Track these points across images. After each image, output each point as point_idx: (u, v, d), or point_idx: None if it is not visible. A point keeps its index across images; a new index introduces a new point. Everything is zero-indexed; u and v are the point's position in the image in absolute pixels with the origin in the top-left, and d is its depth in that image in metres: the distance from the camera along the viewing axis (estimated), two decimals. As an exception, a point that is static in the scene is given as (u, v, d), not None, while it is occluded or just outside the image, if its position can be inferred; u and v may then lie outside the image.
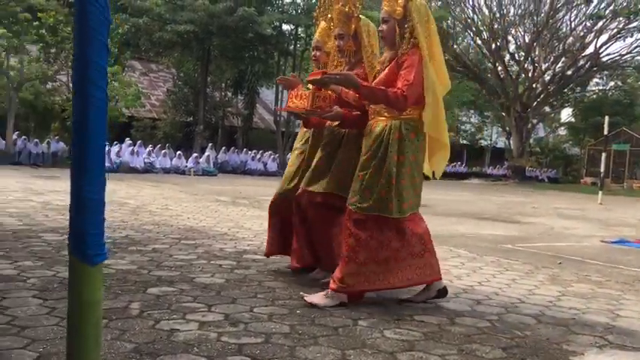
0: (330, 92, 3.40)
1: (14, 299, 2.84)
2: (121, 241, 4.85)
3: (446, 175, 31.28)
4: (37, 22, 20.08)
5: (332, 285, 3.10)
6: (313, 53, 4.00)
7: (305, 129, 4.02)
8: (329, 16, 3.80)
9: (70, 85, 13.84)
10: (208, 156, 21.76)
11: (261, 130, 32.85)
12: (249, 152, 25.79)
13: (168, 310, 2.84)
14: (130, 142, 21.31)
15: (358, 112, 3.47)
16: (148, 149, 20.83)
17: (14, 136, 19.90)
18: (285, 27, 28.95)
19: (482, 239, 6.63)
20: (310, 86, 3.41)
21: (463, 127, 42.82)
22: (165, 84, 31.43)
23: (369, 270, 3.09)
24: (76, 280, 1.68)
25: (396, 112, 3.14)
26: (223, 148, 25.43)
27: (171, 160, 21.45)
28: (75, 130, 1.71)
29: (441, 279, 3.34)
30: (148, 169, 19.90)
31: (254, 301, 3.11)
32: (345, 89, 3.37)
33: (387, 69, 3.23)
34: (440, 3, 31.78)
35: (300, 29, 28.92)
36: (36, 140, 20.17)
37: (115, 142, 20.50)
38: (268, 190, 14.59)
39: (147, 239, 5.05)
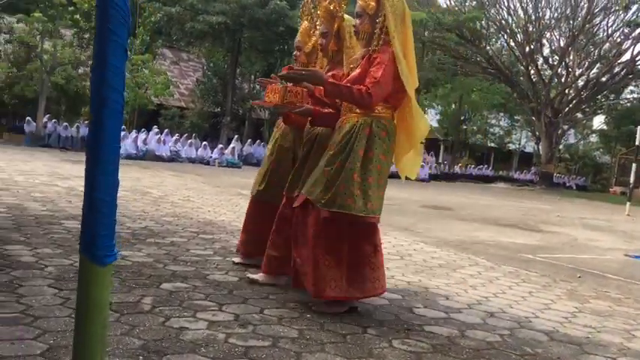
0: (301, 88, 3.37)
1: (30, 287, 2.90)
2: (140, 232, 4.91)
3: (471, 178, 31.23)
4: (72, 8, 20.42)
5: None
6: (294, 53, 4.02)
7: (280, 126, 4.02)
8: (312, 16, 3.82)
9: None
10: (233, 148, 21.85)
11: (287, 124, 32.84)
12: (274, 145, 25.81)
13: (180, 307, 2.87)
14: (157, 130, 21.53)
15: (331, 110, 3.38)
16: (174, 138, 21.01)
17: (45, 119, 20.25)
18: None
19: (503, 247, 6.55)
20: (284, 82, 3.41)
21: (492, 129, 42.38)
22: (195, 73, 31.67)
23: (331, 274, 2.98)
24: (84, 279, 1.70)
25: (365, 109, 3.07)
26: (249, 140, 25.53)
27: (196, 150, 21.61)
28: (90, 131, 1.73)
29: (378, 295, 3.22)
30: (174, 158, 20.08)
31: (265, 302, 3.12)
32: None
33: (358, 66, 3.18)
34: (475, 3, 31.43)
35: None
36: (65, 124, 20.50)
37: (143, 130, 20.73)
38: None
39: (165, 231, 5.10)
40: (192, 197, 8.49)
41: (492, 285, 4.32)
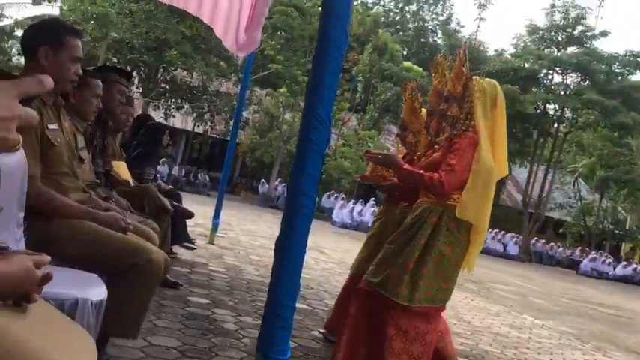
0: None
1: (224, 358, 3.07)
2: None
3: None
4: (312, 85, 22.48)
5: None
6: (398, 133, 3.89)
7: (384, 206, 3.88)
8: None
9: (333, 142, 15.22)
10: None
11: (507, 209, 31.57)
12: (490, 230, 24.87)
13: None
14: (374, 202, 22.22)
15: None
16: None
17: (276, 182, 22.28)
18: (549, 106, 27.75)
19: None
20: None
21: None
22: (418, 151, 32.22)
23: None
24: (256, 377, 1.73)
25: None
26: (464, 221, 24.94)
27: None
28: (281, 231, 1.79)
29: None
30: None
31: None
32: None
33: (440, 150, 2.99)
34: None
35: (566, 110, 27.41)
36: (294, 189, 22.26)
37: (361, 200, 21.57)
38: (501, 276, 13.84)
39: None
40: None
41: None
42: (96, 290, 1.82)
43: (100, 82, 2.98)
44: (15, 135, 0.79)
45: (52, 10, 21.36)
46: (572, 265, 25.99)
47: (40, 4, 20.75)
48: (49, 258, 1.09)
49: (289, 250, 1.74)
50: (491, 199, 2.90)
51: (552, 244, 27.68)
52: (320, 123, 1.74)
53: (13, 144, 0.79)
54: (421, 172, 2.92)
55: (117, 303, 2.04)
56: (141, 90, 22.13)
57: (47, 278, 1.06)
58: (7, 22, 24.75)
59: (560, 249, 27.79)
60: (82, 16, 18.20)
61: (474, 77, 2.95)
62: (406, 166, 3.02)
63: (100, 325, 1.86)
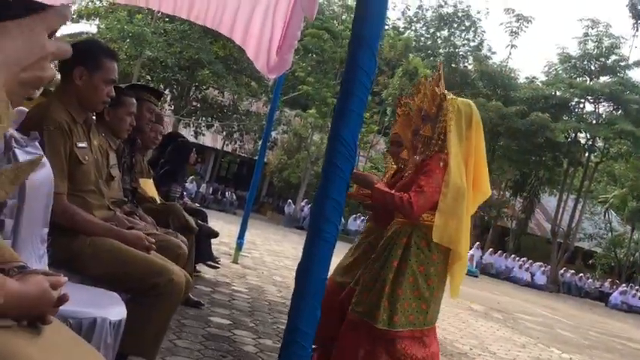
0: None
1: (242, 381, 3.03)
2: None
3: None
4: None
5: None
6: (389, 149, 3.79)
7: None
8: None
9: (360, 165, 15.10)
10: (472, 255, 21.20)
11: (535, 238, 31.04)
12: (518, 259, 24.43)
13: None
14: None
15: None
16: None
17: (302, 203, 22.28)
18: (580, 135, 27.35)
19: None
20: None
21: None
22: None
23: None
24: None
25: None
26: (490, 249, 24.57)
27: (435, 251, 21.47)
28: (302, 257, 1.76)
29: None
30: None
31: None
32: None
33: (413, 171, 2.93)
34: None
35: (598, 140, 26.97)
36: (320, 210, 22.26)
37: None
38: (528, 306, 13.54)
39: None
40: (419, 305, 8.30)
41: None
42: (115, 310, 1.81)
43: (135, 101, 3.01)
44: (50, 72, 0.79)
45: (90, 27, 21.95)
46: (602, 297, 25.31)
47: (79, 21, 21.31)
48: (65, 279, 1.08)
49: (310, 276, 1.71)
50: (467, 221, 2.84)
51: (581, 275, 27.06)
52: (346, 148, 1.72)
53: (49, 81, 0.80)
54: (392, 192, 2.86)
55: (136, 322, 2.03)
56: (173, 108, 22.48)
57: (63, 300, 1.05)
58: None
59: (590, 280, 27.13)
60: (119, 35, 18.63)
61: (449, 97, 2.90)
62: (378, 185, 2.97)
63: (119, 344, 1.85)
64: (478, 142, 2.95)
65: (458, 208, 2.78)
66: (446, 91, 2.94)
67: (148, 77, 21.52)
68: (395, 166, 3.76)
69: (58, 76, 2.32)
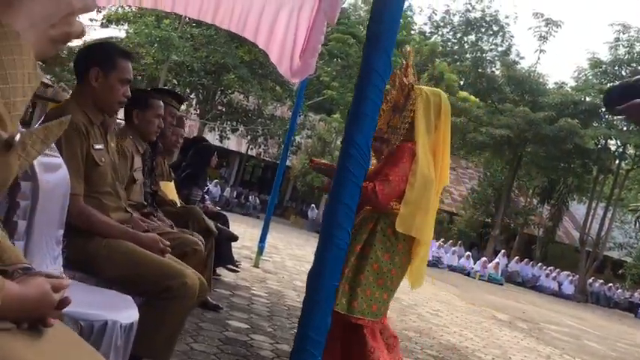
0: None
1: (257, 386, 3.01)
2: (377, 344, 4.84)
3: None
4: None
5: None
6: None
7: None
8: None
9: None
10: (498, 263, 20.93)
11: (563, 246, 30.49)
12: (545, 267, 24.03)
13: None
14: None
15: None
16: (437, 243, 21.05)
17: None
18: (610, 142, 26.84)
19: None
20: None
21: None
22: (471, 181, 31.75)
23: None
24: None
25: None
26: (516, 257, 24.22)
27: (459, 258, 21.26)
28: (314, 263, 1.74)
29: None
30: (435, 264, 20.02)
31: None
32: None
33: (382, 160, 2.89)
34: None
35: (629, 147, 26.43)
36: (343, 215, 22.22)
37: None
38: (555, 315, 13.27)
39: (403, 349, 4.94)
40: (440, 312, 8.21)
41: None
42: (126, 313, 1.81)
43: (162, 103, 3.04)
44: (78, 26, 0.82)
45: (119, 32, 22.28)
46: (632, 308, 24.73)
47: (108, 26, 21.64)
48: (68, 282, 1.07)
49: (321, 283, 1.68)
50: (433, 211, 2.83)
51: (610, 284, 26.48)
52: (359, 152, 1.69)
53: (77, 36, 0.83)
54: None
55: (149, 325, 2.03)
56: (198, 112, 22.66)
57: (65, 303, 1.04)
58: (76, 43, 25.99)
59: (619, 290, 26.53)
60: (146, 39, 18.86)
61: (417, 87, 2.86)
62: None
63: (132, 346, 1.84)
64: (446, 132, 2.94)
65: (424, 198, 2.77)
66: (414, 80, 2.91)
67: (175, 81, 21.75)
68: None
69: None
